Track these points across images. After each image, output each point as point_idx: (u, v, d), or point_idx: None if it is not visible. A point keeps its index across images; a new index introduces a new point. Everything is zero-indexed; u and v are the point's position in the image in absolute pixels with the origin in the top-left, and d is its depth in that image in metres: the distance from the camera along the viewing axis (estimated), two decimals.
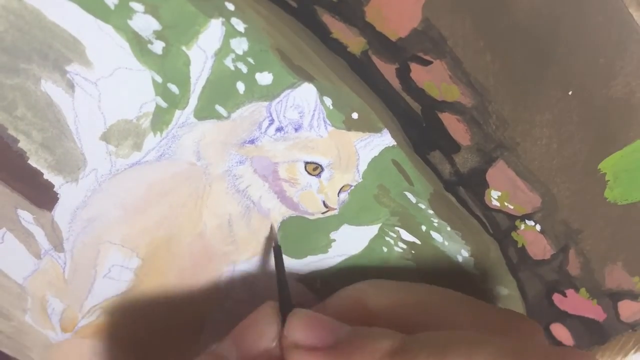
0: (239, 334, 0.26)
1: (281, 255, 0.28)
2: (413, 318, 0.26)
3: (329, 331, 0.24)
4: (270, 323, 0.25)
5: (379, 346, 0.22)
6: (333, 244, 0.29)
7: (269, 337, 0.25)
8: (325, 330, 0.24)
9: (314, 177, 0.27)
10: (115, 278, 0.29)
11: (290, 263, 0.30)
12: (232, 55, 0.24)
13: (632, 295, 0.30)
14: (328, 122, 0.26)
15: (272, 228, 0.28)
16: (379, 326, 0.25)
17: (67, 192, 0.26)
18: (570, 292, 0.30)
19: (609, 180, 0.27)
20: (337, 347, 0.23)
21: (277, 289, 0.27)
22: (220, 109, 0.25)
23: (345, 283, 0.30)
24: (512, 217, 0.29)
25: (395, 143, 0.27)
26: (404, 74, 0.25)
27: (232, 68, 0.24)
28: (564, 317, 0.31)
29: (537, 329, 0.27)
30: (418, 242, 0.30)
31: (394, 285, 0.28)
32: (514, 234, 0.29)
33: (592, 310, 0.31)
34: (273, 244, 0.29)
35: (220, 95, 0.25)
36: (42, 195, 0.26)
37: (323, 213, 0.28)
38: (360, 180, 0.28)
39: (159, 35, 0.23)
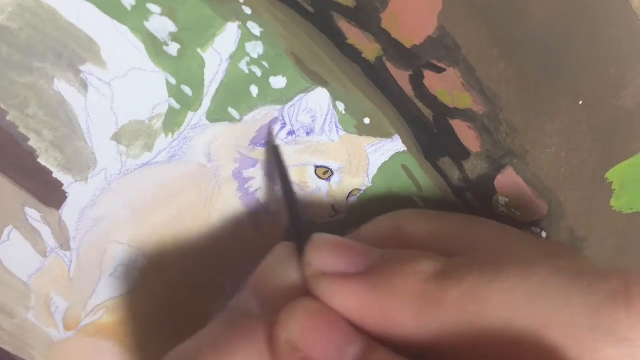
0: (257, 281, 0.23)
1: (282, 158, 0.25)
2: (456, 245, 0.23)
3: (359, 255, 0.21)
4: (288, 262, 0.22)
5: (419, 268, 0.20)
6: None
7: (291, 278, 0.22)
8: (355, 254, 0.21)
9: (323, 181, 0.27)
10: (120, 277, 0.28)
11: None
12: (247, 59, 0.24)
13: None
14: (340, 126, 0.26)
15: (270, 130, 0.25)
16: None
17: (76, 191, 0.26)
18: None
19: (615, 189, 0.27)
20: (371, 273, 0.20)
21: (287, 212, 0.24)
22: (233, 111, 0.25)
23: None
24: (518, 224, 0.29)
25: (406, 149, 0.27)
26: (417, 81, 0.25)
27: (247, 71, 0.24)
28: None
29: (588, 259, 0.24)
30: None
31: (433, 213, 0.26)
32: None
33: None
34: (271, 145, 0.25)
35: (234, 98, 0.25)
36: (50, 194, 0.26)
37: (331, 217, 0.28)
38: (369, 185, 0.28)
39: (174, 37, 0.23)
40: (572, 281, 0.18)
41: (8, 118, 0.24)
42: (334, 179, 0.27)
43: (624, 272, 0.19)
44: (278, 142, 0.26)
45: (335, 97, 0.25)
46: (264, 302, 0.22)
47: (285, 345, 0.20)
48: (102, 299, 0.29)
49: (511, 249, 0.23)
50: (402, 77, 0.25)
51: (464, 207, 0.28)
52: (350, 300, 0.20)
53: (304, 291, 0.21)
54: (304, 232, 0.23)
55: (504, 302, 0.18)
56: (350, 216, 0.29)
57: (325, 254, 0.21)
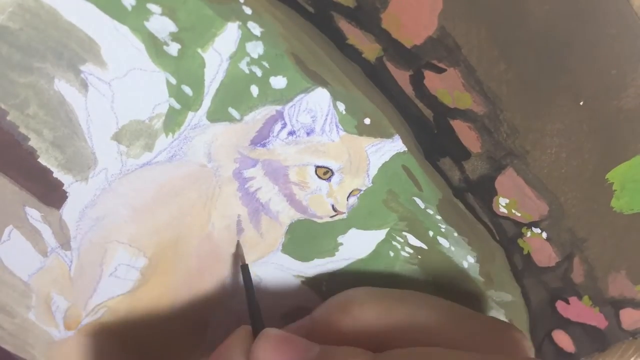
0: None
1: (249, 274, 0.28)
2: (398, 331, 0.26)
3: (299, 351, 0.24)
4: (244, 348, 0.25)
5: None
6: (340, 247, 0.29)
7: None
8: (295, 350, 0.24)
9: (324, 181, 0.27)
10: (121, 277, 0.28)
11: (297, 265, 0.30)
12: (247, 59, 0.24)
13: (634, 304, 0.31)
14: (340, 127, 0.26)
15: (238, 245, 0.28)
16: (362, 336, 0.25)
17: (77, 190, 0.26)
18: (573, 299, 0.31)
19: (616, 190, 0.27)
20: None
21: (249, 314, 0.27)
22: (233, 111, 0.25)
23: (350, 286, 0.30)
24: (518, 225, 0.29)
25: (406, 149, 0.27)
26: (417, 81, 0.25)
27: (247, 71, 0.24)
28: (566, 324, 0.32)
29: (523, 338, 0.28)
30: (425, 247, 0.30)
31: (382, 293, 0.28)
32: (520, 241, 0.29)
33: (594, 317, 0.31)
34: (240, 263, 0.28)
35: (234, 98, 0.25)
36: (50, 194, 0.26)
37: (331, 217, 0.28)
38: (370, 185, 0.28)
39: (175, 37, 0.23)
40: None
41: (8, 118, 0.24)
42: (334, 179, 0.27)
43: None
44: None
45: (335, 97, 0.25)
46: None
47: None
48: (103, 298, 0.29)
49: (451, 334, 0.26)
50: (402, 77, 0.25)
51: (466, 209, 0.28)
52: None
53: None
54: (259, 319, 0.26)
55: None
56: (350, 216, 0.29)
57: (270, 350, 0.24)
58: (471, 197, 0.28)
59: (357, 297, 0.27)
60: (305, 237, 0.29)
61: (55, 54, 0.23)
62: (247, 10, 0.23)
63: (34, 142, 0.24)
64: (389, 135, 0.26)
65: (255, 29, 0.23)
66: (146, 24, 0.23)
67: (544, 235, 0.29)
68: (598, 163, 0.27)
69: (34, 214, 0.26)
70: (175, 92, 0.24)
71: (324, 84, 0.25)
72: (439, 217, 0.29)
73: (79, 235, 0.27)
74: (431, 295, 0.28)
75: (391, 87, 0.25)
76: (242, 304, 0.30)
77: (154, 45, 0.23)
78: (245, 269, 0.28)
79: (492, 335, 0.27)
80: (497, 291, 0.31)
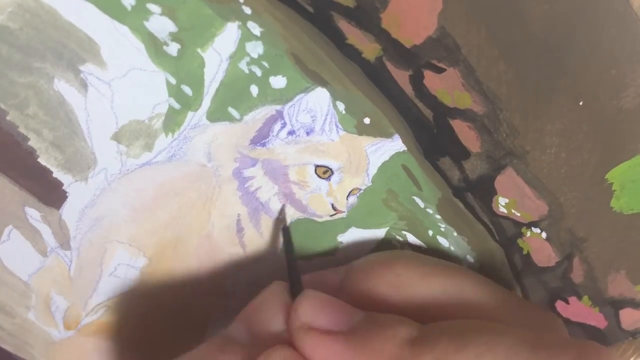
0: (248, 315, 0.25)
1: (290, 236, 0.28)
2: (441, 295, 0.25)
3: (343, 315, 0.23)
4: (280, 303, 0.24)
5: (396, 333, 0.21)
6: (340, 246, 0.30)
7: (279, 318, 0.24)
8: (340, 313, 0.23)
9: (323, 180, 0.27)
10: (120, 277, 0.29)
11: (297, 264, 0.30)
12: (247, 59, 0.24)
13: (634, 304, 0.31)
14: (340, 126, 0.26)
15: (282, 209, 0.28)
16: (402, 298, 0.24)
17: (76, 190, 0.26)
18: (572, 299, 0.31)
19: (615, 190, 0.27)
20: (352, 333, 0.22)
21: (287, 271, 0.26)
22: (233, 111, 0.25)
23: None
24: (518, 224, 0.29)
25: (405, 148, 0.27)
26: (417, 81, 0.25)
27: (247, 71, 0.24)
28: (565, 324, 0.31)
29: (560, 324, 0.27)
30: (424, 246, 0.30)
31: (424, 257, 0.27)
32: (519, 241, 0.29)
33: (594, 317, 0.31)
34: (282, 225, 0.28)
35: (234, 98, 0.25)
36: (50, 194, 0.26)
37: (331, 216, 0.28)
38: (369, 184, 0.28)
39: (174, 37, 0.23)
40: (532, 352, 0.20)
41: (8, 118, 0.24)
42: (334, 178, 0.27)
43: (581, 344, 0.21)
44: (288, 221, 0.28)
45: (335, 96, 0.25)
46: (252, 335, 0.24)
47: None
48: (102, 298, 0.29)
49: (487, 312, 0.25)
50: (402, 77, 0.25)
51: (466, 209, 0.28)
52: (328, 356, 0.22)
53: (288, 335, 0.23)
54: (298, 288, 0.25)
55: None
56: (350, 215, 0.29)
57: (313, 309, 0.23)
58: (471, 197, 0.28)
59: (398, 258, 0.26)
60: (305, 236, 0.29)
61: (54, 54, 0.23)
62: (247, 10, 0.23)
63: (33, 142, 0.24)
64: (388, 135, 0.26)
65: (255, 28, 0.23)
66: (146, 23, 0.23)
67: (544, 235, 0.29)
68: (598, 163, 0.27)
69: (34, 214, 0.26)
70: (175, 92, 0.24)
71: (323, 83, 0.25)
72: (438, 217, 0.29)
73: (79, 235, 0.27)
74: (469, 270, 0.27)
75: (391, 86, 0.25)
76: (242, 303, 0.30)
77: (153, 45, 0.23)
78: (286, 230, 0.28)
79: (534, 317, 0.26)
80: None
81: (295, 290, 0.24)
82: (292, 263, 0.26)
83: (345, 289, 0.26)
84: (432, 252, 0.30)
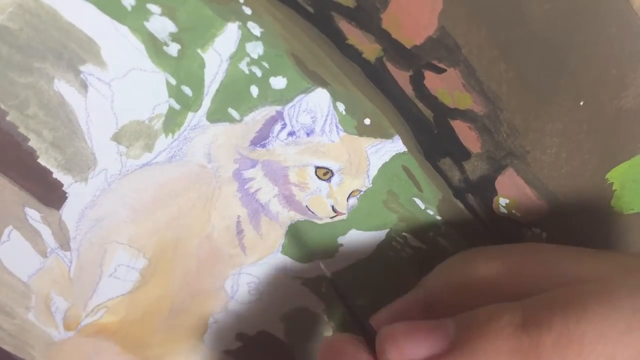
0: None
1: (339, 287, 0.26)
2: (529, 281, 0.22)
3: (436, 333, 0.20)
4: (359, 355, 0.21)
5: (501, 324, 0.19)
6: (340, 248, 0.29)
7: None
8: (431, 333, 0.20)
9: (324, 181, 0.27)
10: (120, 278, 0.28)
11: (297, 267, 0.30)
12: (247, 59, 0.24)
13: None
14: (340, 127, 0.26)
15: (319, 264, 0.27)
16: (494, 293, 0.21)
17: (76, 191, 0.26)
18: None
19: (616, 190, 0.27)
20: (457, 348, 0.20)
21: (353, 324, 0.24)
22: (233, 112, 0.25)
23: (350, 288, 0.30)
24: (519, 225, 0.29)
25: (406, 149, 0.27)
26: (417, 81, 0.25)
27: (247, 72, 0.24)
28: None
29: None
30: (425, 247, 0.30)
31: (496, 250, 0.25)
32: (520, 241, 0.29)
33: None
34: (329, 280, 0.27)
35: (234, 99, 0.25)
36: (50, 194, 0.26)
37: (331, 218, 0.28)
38: (370, 186, 0.28)
39: (174, 37, 0.23)
40: None
41: (8, 118, 0.24)
42: (334, 179, 0.27)
43: None
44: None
45: (335, 97, 0.25)
46: None
47: None
48: (102, 299, 0.29)
49: (585, 274, 0.22)
50: (402, 77, 0.25)
51: (466, 209, 0.28)
52: None
53: None
54: (368, 326, 0.22)
55: (601, 336, 0.18)
56: (350, 217, 0.29)
57: (402, 345, 0.20)
58: (471, 198, 0.28)
59: (476, 255, 0.25)
60: (305, 238, 0.29)
61: (55, 54, 0.23)
62: (247, 11, 0.23)
63: (33, 143, 0.24)
64: (389, 136, 0.26)
65: (255, 29, 0.23)
66: (146, 24, 0.23)
67: (544, 235, 0.29)
68: (598, 163, 0.27)
69: (34, 215, 0.26)
70: (175, 92, 0.24)
71: (324, 84, 0.25)
72: (439, 218, 0.29)
73: (79, 235, 0.27)
74: (550, 244, 0.25)
75: (391, 87, 0.25)
76: (242, 304, 0.30)
77: (153, 46, 0.23)
78: (333, 283, 0.26)
79: (629, 266, 0.22)
80: None
81: (369, 338, 0.22)
82: (355, 313, 0.24)
83: (432, 305, 0.24)
84: (433, 254, 0.30)
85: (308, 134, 0.26)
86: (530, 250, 0.24)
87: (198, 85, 0.24)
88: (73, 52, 0.23)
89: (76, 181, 0.26)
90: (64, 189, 0.26)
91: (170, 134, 0.25)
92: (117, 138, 0.25)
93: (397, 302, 0.25)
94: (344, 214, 0.28)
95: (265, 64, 0.24)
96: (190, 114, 0.25)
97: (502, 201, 0.28)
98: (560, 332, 0.18)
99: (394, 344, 0.20)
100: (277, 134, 0.26)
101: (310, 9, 0.23)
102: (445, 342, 0.20)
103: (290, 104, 0.25)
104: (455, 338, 0.20)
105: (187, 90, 0.24)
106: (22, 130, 0.24)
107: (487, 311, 0.20)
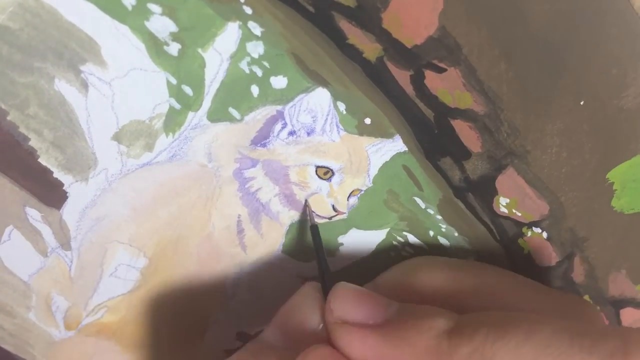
0: (282, 318, 0.25)
1: (318, 234, 0.27)
2: (468, 298, 0.24)
3: (379, 307, 0.22)
4: (314, 303, 0.24)
5: (433, 324, 0.21)
6: (341, 247, 0.29)
7: (314, 318, 0.23)
8: (374, 305, 0.22)
9: (324, 181, 0.27)
10: (121, 277, 0.28)
11: (297, 266, 0.30)
12: (248, 59, 0.24)
13: (635, 303, 0.31)
14: (341, 126, 0.26)
15: (306, 206, 0.28)
16: (430, 301, 0.23)
17: (77, 191, 0.26)
18: None
19: (616, 190, 0.27)
20: (387, 325, 0.22)
21: (318, 271, 0.26)
22: (233, 111, 0.25)
23: None
24: (519, 224, 0.29)
25: (406, 149, 0.27)
26: (418, 81, 0.25)
27: (247, 71, 0.24)
28: None
29: (596, 313, 0.27)
30: (425, 247, 0.30)
31: (448, 262, 0.27)
32: (520, 241, 0.29)
33: None
34: (310, 224, 0.28)
35: (234, 98, 0.25)
36: (51, 194, 0.26)
37: (332, 217, 0.28)
38: (370, 185, 0.28)
39: (175, 37, 0.23)
40: (573, 341, 0.19)
41: (9, 118, 0.24)
42: (334, 179, 0.27)
43: (623, 332, 0.20)
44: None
45: (336, 97, 0.25)
46: (287, 338, 0.24)
47: None
48: (103, 298, 0.29)
49: (521, 304, 0.24)
50: (403, 77, 0.25)
51: (467, 209, 0.28)
52: (365, 350, 0.22)
53: (324, 333, 0.23)
54: (329, 277, 0.25)
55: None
56: (351, 216, 0.29)
57: (346, 303, 0.22)
58: (472, 197, 0.28)
59: (423, 262, 0.26)
60: (305, 238, 0.29)
61: (55, 53, 0.23)
62: (248, 10, 0.23)
63: (34, 142, 0.24)
64: (389, 135, 0.26)
65: (256, 28, 0.23)
66: (146, 23, 0.23)
67: (545, 234, 0.29)
68: (598, 162, 0.27)
69: (34, 214, 0.26)
70: (175, 92, 0.24)
71: (324, 83, 0.25)
72: (439, 217, 0.29)
73: (79, 235, 0.27)
74: (497, 267, 0.27)
75: (392, 87, 0.25)
76: (242, 304, 0.30)
77: (154, 45, 0.23)
78: (314, 229, 0.27)
79: (564, 307, 0.26)
80: None
81: (328, 288, 0.24)
82: (324, 261, 0.26)
83: None
84: (433, 253, 0.30)
85: (309, 134, 0.26)
86: (476, 270, 0.26)
87: (198, 85, 0.24)
88: (73, 51, 0.23)
89: (77, 181, 0.25)
90: (64, 188, 0.26)
91: (171, 134, 0.25)
92: (117, 137, 0.25)
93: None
94: (345, 213, 0.28)
95: (266, 64, 0.24)
96: (190, 114, 0.25)
97: (503, 201, 0.28)
98: (476, 348, 0.20)
99: (340, 298, 0.23)
100: (278, 134, 0.26)
101: (311, 9, 0.23)
102: (381, 317, 0.22)
103: (291, 104, 0.25)
104: (391, 319, 0.22)
105: (187, 89, 0.24)
106: (22, 129, 0.24)
107: (427, 310, 0.22)
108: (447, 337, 0.21)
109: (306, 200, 0.28)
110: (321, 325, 0.23)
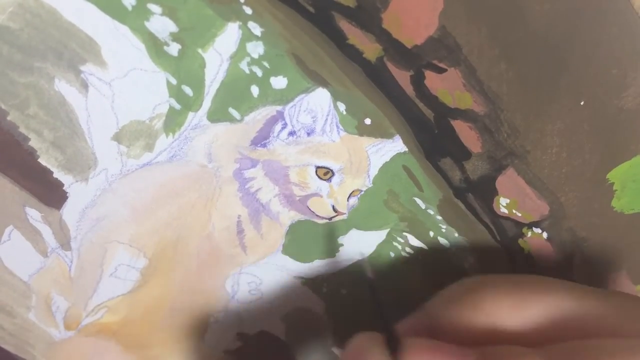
0: None
1: (377, 289, 0.26)
2: (541, 321, 0.22)
3: (459, 357, 0.21)
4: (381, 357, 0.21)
5: None
6: (341, 248, 0.29)
7: None
8: (454, 357, 0.21)
9: (324, 181, 0.27)
10: (121, 277, 0.28)
11: (297, 266, 0.30)
12: (248, 59, 0.24)
13: None
14: (341, 127, 0.26)
15: (365, 263, 0.27)
16: (500, 334, 0.22)
17: (77, 191, 0.26)
18: None
19: (616, 190, 0.27)
20: None
21: (380, 324, 0.24)
22: (233, 112, 0.25)
23: (351, 288, 0.30)
24: (519, 225, 0.29)
25: (406, 149, 0.27)
26: (418, 81, 0.25)
27: (247, 71, 0.24)
28: None
29: None
30: (425, 247, 0.30)
31: (508, 280, 0.24)
32: (520, 241, 0.29)
33: None
34: (369, 282, 0.27)
35: (234, 98, 0.25)
36: (51, 194, 0.26)
37: (332, 217, 0.28)
38: (370, 186, 0.28)
39: (175, 37, 0.23)
40: None
41: (9, 118, 0.24)
42: (334, 179, 0.27)
43: None
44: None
45: (336, 97, 0.25)
46: None
47: None
48: (103, 298, 0.29)
49: (594, 326, 0.22)
50: (403, 77, 0.25)
51: (467, 209, 0.28)
52: None
53: None
54: (393, 331, 0.23)
55: None
56: (351, 217, 0.29)
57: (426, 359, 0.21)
58: (472, 198, 0.28)
59: (484, 289, 0.24)
60: (305, 238, 0.29)
61: (55, 54, 0.23)
62: (248, 10, 0.23)
63: (34, 143, 0.24)
64: (389, 136, 0.26)
65: (256, 29, 0.23)
66: (146, 24, 0.23)
67: (545, 235, 0.29)
68: (599, 163, 0.27)
69: (34, 214, 0.26)
70: (175, 92, 0.24)
71: (324, 84, 0.25)
72: (439, 218, 0.29)
73: (79, 235, 0.27)
74: (564, 280, 0.24)
75: (392, 87, 0.25)
76: (242, 304, 0.30)
77: (154, 46, 0.23)
78: (372, 284, 0.26)
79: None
80: None
81: (392, 343, 0.22)
82: (386, 314, 0.24)
83: (436, 332, 0.24)
84: (433, 253, 0.30)
85: (309, 134, 0.26)
86: (542, 288, 0.23)
87: (198, 85, 0.24)
88: (73, 51, 0.23)
89: (77, 181, 0.25)
90: (64, 188, 0.26)
91: (171, 134, 0.25)
92: (117, 138, 0.25)
93: (402, 323, 0.25)
94: (345, 213, 0.28)
95: (266, 64, 0.24)
96: (190, 114, 0.25)
97: (503, 201, 0.28)
98: None
99: (417, 351, 0.21)
100: (278, 134, 0.26)
101: (311, 9, 0.23)
102: None
103: (291, 104, 0.25)
104: None
105: (187, 90, 0.24)
106: (22, 130, 0.24)
107: (511, 350, 0.20)
108: None
109: (365, 260, 0.26)
110: None
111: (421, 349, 0.21)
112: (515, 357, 0.20)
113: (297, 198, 0.28)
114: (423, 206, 0.28)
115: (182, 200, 0.27)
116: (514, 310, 0.22)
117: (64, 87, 0.23)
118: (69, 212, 0.26)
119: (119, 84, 0.24)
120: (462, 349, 0.21)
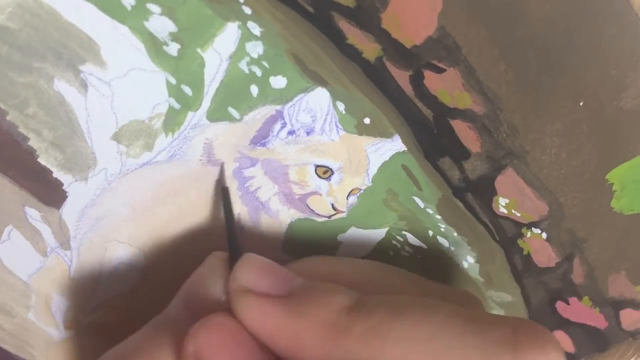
0: (186, 291, 0.24)
1: (229, 198, 0.26)
2: (366, 287, 0.24)
3: (284, 279, 0.22)
4: (218, 273, 0.23)
5: (334, 300, 0.21)
6: (340, 246, 0.30)
7: (217, 289, 0.23)
8: (279, 277, 0.22)
9: (323, 180, 0.27)
10: (120, 277, 0.28)
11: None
12: (247, 59, 0.24)
13: (634, 304, 0.31)
14: (340, 126, 0.26)
15: (221, 168, 0.27)
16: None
17: (76, 190, 0.26)
18: (573, 300, 0.31)
19: (616, 191, 0.27)
20: (290, 298, 0.21)
21: (226, 240, 0.25)
22: (233, 111, 0.25)
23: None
24: (518, 225, 0.29)
25: (405, 148, 0.27)
26: (417, 81, 0.25)
27: (247, 71, 0.24)
28: (566, 325, 0.32)
29: (480, 304, 0.27)
30: (424, 246, 0.30)
31: (338, 259, 0.28)
32: (519, 241, 0.29)
33: (594, 318, 0.31)
34: (221, 186, 0.27)
35: (234, 98, 0.25)
36: (50, 193, 0.26)
37: (331, 216, 0.28)
38: (369, 184, 0.28)
39: (174, 37, 0.23)
40: (466, 325, 0.20)
41: (8, 118, 0.24)
42: (334, 178, 0.27)
43: (515, 321, 0.20)
44: (227, 184, 0.27)
45: (335, 96, 0.25)
46: (190, 310, 0.23)
47: (190, 357, 0.21)
48: (103, 298, 0.29)
49: (414, 292, 0.25)
50: (402, 77, 0.25)
51: (466, 209, 0.28)
52: (265, 319, 0.21)
53: (227, 304, 0.22)
54: (238, 250, 0.24)
55: (403, 339, 0.20)
56: (350, 215, 0.29)
57: (252, 272, 0.22)
58: (471, 197, 0.28)
59: (312, 261, 0.27)
60: (305, 236, 0.29)
61: (54, 53, 0.23)
62: (247, 10, 0.23)
63: (33, 142, 0.24)
64: (388, 135, 0.26)
65: (255, 28, 0.23)
66: (146, 23, 0.23)
67: (544, 235, 0.29)
68: (598, 163, 0.27)
69: (34, 214, 0.26)
70: (175, 91, 0.24)
71: (323, 83, 0.25)
72: (438, 217, 0.29)
73: (79, 234, 0.27)
74: (386, 264, 0.27)
75: (391, 87, 0.25)
76: None
77: (153, 45, 0.23)
78: (225, 191, 0.26)
79: (450, 297, 0.26)
80: (497, 291, 0.31)
81: (235, 258, 0.23)
82: (232, 228, 0.25)
83: None
84: (433, 253, 0.30)
85: (308, 133, 0.26)
86: (363, 265, 0.27)
87: (198, 85, 0.24)
88: (73, 51, 0.23)
89: (76, 180, 0.26)
90: (64, 188, 0.26)
91: (170, 133, 0.25)
92: (117, 137, 0.25)
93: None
94: (344, 212, 0.28)
95: (265, 64, 0.24)
96: (190, 113, 0.25)
97: (502, 201, 0.28)
98: (373, 325, 0.20)
99: (246, 267, 0.22)
100: (277, 133, 0.26)
101: (310, 9, 0.23)
102: (285, 290, 0.22)
103: (290, 103, 0.25)
104: (295, 292, 0.22)
105: (187, 89, 0.24)
106: (22, 129, 0.24)
107: (331, 286, 0.22)
108: (346, 314, 0.21)
109: (222, 164, 0.26)
110: (225, 297, 0.23)
111: (255, 263, 0.22)
112: (332, 291, 0.22)
113: (297, 196, 0.28)
114: (422, 205, 0.28)
115: (182, 199, 0.27)
116: (330, 267, 0.26)
117: (63, 86, 0.23)
118: (69, 211, 0.26)
119: (118, 84, 0.24)
120: (293, 275, 0.23)
